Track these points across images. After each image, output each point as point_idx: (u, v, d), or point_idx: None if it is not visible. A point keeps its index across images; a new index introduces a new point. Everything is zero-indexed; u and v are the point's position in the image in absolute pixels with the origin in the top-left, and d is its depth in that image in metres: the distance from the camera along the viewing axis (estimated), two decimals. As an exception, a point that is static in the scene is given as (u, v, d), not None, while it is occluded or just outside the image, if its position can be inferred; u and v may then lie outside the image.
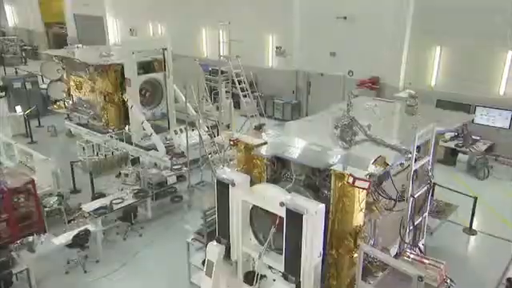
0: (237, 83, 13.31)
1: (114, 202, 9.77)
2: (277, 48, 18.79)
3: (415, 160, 6.41)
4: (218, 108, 13.73)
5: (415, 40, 14.90)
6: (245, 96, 13.43)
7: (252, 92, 13.94)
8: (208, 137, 12.37)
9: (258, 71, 18.29)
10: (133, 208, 9.95)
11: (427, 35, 14.46)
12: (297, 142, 6.65)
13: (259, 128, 7.23)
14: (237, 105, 15.84)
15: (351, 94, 6.74)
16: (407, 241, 6.63)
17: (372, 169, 5.64)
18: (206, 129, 12.55)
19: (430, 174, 7.04)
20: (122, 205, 9.80)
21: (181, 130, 13.40)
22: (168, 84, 14.21)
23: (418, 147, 6.63)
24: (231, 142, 6.82)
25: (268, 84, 18.70)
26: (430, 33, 14.37)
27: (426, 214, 7.39)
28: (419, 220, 7.11)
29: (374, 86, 16.04)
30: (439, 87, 14.72)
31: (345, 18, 16.49)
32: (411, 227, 6.73)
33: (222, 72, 13.50)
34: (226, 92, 14.24)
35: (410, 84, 15.02)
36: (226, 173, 6.33)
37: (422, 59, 14.92)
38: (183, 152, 12.81)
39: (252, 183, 6.27)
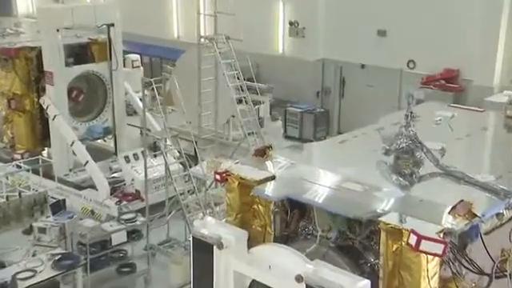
0: (227, 80, 13.42)
1: (19, 275, 9.66)
2: (291, 24, 19.03)
3: (523, 209, 6.38)
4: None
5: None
6: (240, 101, 13.56)
7: (251, 94, 14.02)
8: (180, 167, 12.41)
9: (261, 61, 18.52)
10: (52, 286, 9.85)
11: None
12: (323, 177, 6.68)
13: (263, 153, 7.24)
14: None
15: (412, 97, 6.75)
16: None
17: (449, 222, 5.59)
18: (178, 154, 12.61)
19: (550, 232, 6.96)
20: (35, 281, 9.68)
21: (136, 157, 13.49)
22: (116, 81, 14.37)
23: (527, 186, 6.59)
24: (218, 177, 6.84)
25: (277, 81, 18.76)
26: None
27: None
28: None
29: (449, 84, 16.15)
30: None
31: (402, -26, 16.83)
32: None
33: (203, 62, 13.69)
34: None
35: (511, 83, 15.10)
36: (209, 226, 6.30)
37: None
38: (139, 192, 12.86)
39: (251, 243, 6.24)
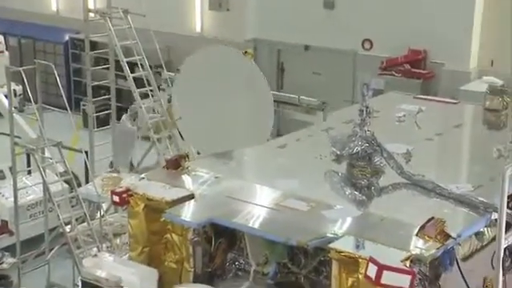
0: (127, 70, 13.45)
1: None
2: (211, -8, 19.15)
3: (509, 226, 6.57)
4: None
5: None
6: (146, 96, 13.63)
7: (160, 88, 14.08)
8: (65, 186, 12.08)
9: (173, 43, 18.63)
10: None
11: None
12: (258, 194, 6.81)
13: (177, 164, 7.34)
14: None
15: (367, 87, 6.98)
16: None
17: (417, 247, 5.78)
18: (61, 170, 12.40)
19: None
20: None
21: (1, 175, 13.40)
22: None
23: (513, 197, 6.82)
24: (116, 198, 6.87)
25: (194, 69, 18.87)
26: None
27: None
28: None
29: (415, 70, 16.53)
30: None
31: None
32: None
33: (94, 45, 13.74)
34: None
35: (491, 65, 15.62)
36: (105, 265, 6.33)
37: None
38: (6, 223, 12.69)
39: (163, 285, 6.35)
